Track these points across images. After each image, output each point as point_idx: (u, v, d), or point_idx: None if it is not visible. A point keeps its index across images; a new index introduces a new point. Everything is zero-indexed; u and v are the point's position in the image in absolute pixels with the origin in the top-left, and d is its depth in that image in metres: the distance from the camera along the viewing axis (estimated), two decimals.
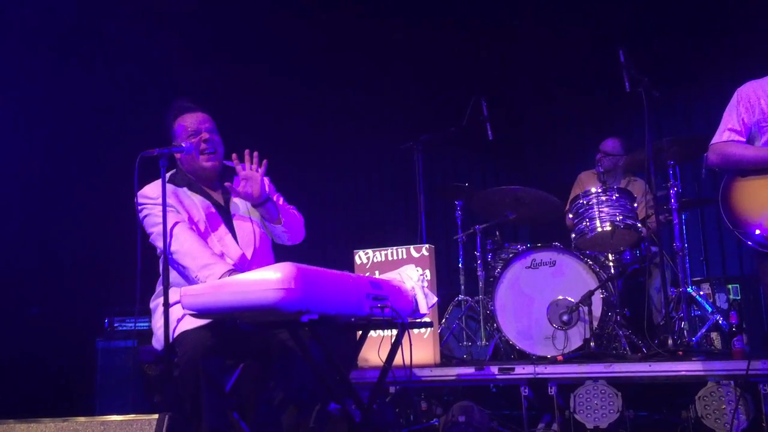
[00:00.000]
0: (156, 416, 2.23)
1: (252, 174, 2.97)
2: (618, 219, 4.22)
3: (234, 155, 3.01)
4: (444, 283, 5.15)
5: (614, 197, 4.28)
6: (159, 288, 2.98)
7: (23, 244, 5.27)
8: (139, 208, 2.98)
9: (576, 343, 4.02)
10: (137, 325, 4.65)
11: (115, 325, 4.84)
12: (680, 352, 3.75)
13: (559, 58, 5.93)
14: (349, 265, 4.21)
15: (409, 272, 2.98)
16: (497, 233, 4.93)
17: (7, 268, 5.01)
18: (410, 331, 3.03)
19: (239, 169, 2.99)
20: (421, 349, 3.94)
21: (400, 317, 2.75)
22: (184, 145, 2.98)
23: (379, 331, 3.71)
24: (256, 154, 2.99)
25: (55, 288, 5.33)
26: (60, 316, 5.24)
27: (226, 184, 3.03)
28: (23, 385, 4.83)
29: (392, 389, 3.92)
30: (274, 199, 3.15)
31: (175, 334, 2.74)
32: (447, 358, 4.38)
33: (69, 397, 4.80)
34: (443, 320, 4.74)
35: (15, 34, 5.34)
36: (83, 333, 4.91)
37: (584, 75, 5.89)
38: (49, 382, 4.96)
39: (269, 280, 2.25)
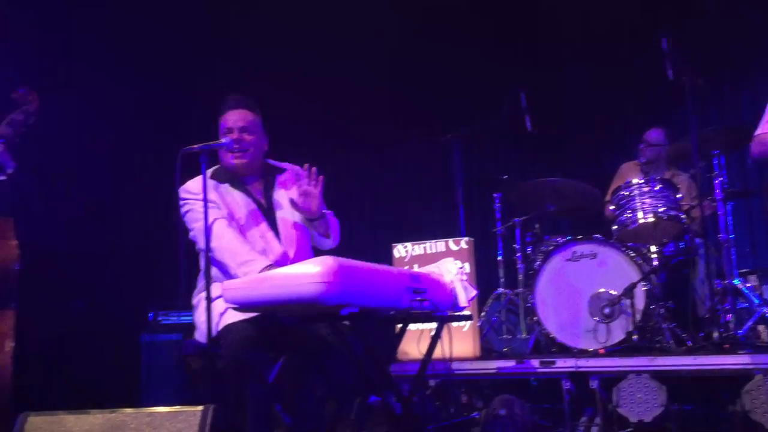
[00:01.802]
0: (200, 408, 2.27)
1: (311, 190, 2.97)
2: (661, 210, 4.14)
3: (306, 165, 3.00)
4: (483, 276, 5.12)
5: (657, 188, 4.20)
6: (201, 283, 3.03)
7: (70, 240, 5.38)
8: (181, 203, 3.02)
9: (618, 336, 3.97)
10: (181, 318, 4.74)
11: (159, 318, 4.92)
12: (726, 346, 3.67)
13: (601, 47, 5.85)
14: (388, 258, 4.21)
15: (448, 265, 2.98)
16: (537, 226, 4.89)
17: (56, 263, 5.13)
18: (450, 324, 3.04)
19: (298, 186, 2.99)
20: (460, 342, 3.93)
21: (440, 310, 2.75)
22: (224, 141, 3.02)
23: (419, 325, 3.72)
24: (314, 169, 3.00)
25: (102, 283, 5.44)
26: (106, 311, 5.35)
27: (295, 191, 3.03)
28: (72, 378, 4.94)
29: (432, 382, 3.92)
30: None
31: (219, 328, 2.78)
32: (487, 352, 4.36)
33: (116, 390, 4.90)
34: (483, 313, 4.72)
35: (60, 39, 5.46)
36: (129, 327, 5.01)
37: (626, 64, 5.79)
38: (96, 375, 5.08)
39: (309, 273, 2.27)
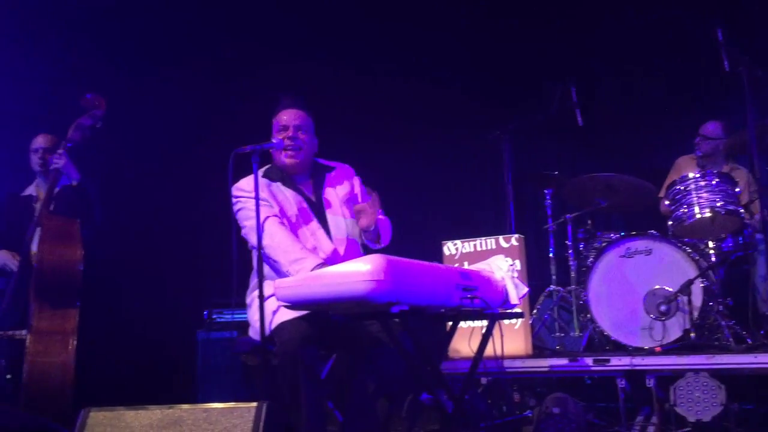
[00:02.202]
0: (255, 404, 2.30)
1: (366, 208, 3.01)
2: (718, 205, 4.03)
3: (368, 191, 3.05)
4: (534, 274, 5.07)
5: (714, 182, 4.09)
6: (253, 281, 3.08)
7: (128, 241, 5.52)
8: (234, 200, 3.07)
9: (675, 334, 3.88)
10: (234, 316, 4.82)
11: (214, 316, 5.02)
12: None
13: (653, 38, 5.71)
14: (438, 256, 4.20)
15: (498, 263, 2.96)
16: (589, 222, 4.81)
17: (114, 263, 5.27)
18: (501, 322, 3.02)
19: (355, 206, 3.05)
20: (512, 340, 3.90)
21: (490, 308, 2.74)
22: (274, 141, 3.07)
23: (470, 322, 3.70)
24: (375, 194, 3.05)
25: (158, 282, 5.57)
26: (163, 309, 5.47)
27: (342, 188, 3.07)
28: (130, 375, 5.07)
29: (484, 380, 3.90)
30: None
31: (272, 326, 2.82)
32: (539, 349, 4.32)
33: (172, 386, 5.01)
34: (534, 311, 4.68)
35: (126, 45, 5.62)
36: (185, 325, 5.12)
37: (680, 55, 5.65)
38: (154, 371, 5.20)
39: (360, 272, 2.29)
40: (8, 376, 3.66)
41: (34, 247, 3.71)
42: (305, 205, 3.11)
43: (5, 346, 3.69)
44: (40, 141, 4.19)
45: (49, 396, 3.45)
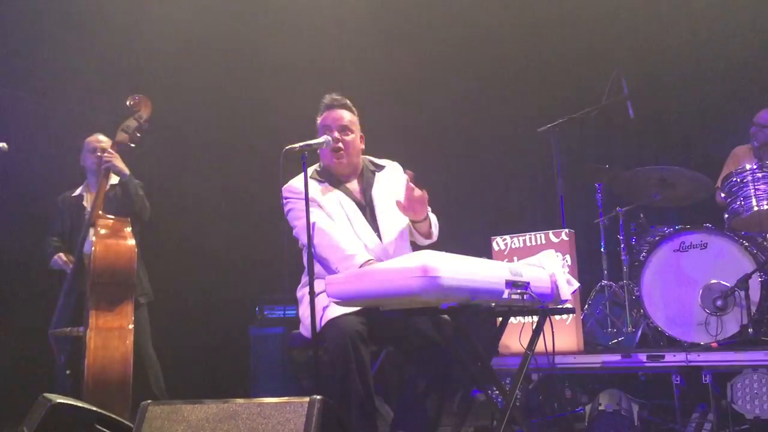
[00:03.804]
0: (307, 399, 2.33)
1: (418, 197, 2.96)
2: None
3: (410, 174, 2.97)
4: (585, 269, 5.01)
5: None
6: (304, 278, 3.11)
7: (182, 238, 5.64)
8: (284, 201, 3.11)
9: (732, 329, 3.79)
10: (286, 312, 4.89)
11: (266, 312, 5.10)
12: None
13: (707, 25, 5.58)
14: (487, 251, 4.18)
15: (549, 258, 2.94)
16: (641, 216, 4.73)
17: (169, 260, 5.39)
18: (552, 317, 2.99)
19: (406, 192, 2.96)
20: (563, 335, 3.86)
21: (541, 303, 2.72)
22: (323, 139, 3.08)
23: (520, 318, 3.68)
24: (410, 173, 2.97)
25: (212, 279, 5.68)
26: (217, 306, 5.58)
27: (393, 185, 3.06)
28: (186, 369, 5.19)
29: (535, 376, 3.88)
30: None
31: (323, 322, 2.85)
32: (591, 345, 4.27)
33: (226, 380, 5.11)
34: (586, 306, 4.62)
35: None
36: (237, 321, 5.21)
37: (734, 42, 5.50)
38: (208, 366, 5.31)
39: (410, 268, 2.29)
40: (68, 372, 3.78)
41: (86, 248, 3.81)
42: (354, 204, 3.12)
43: (64, 343, 3.82)
44: (95, 141, 4.26)
45: (110, 389, 3.56)
